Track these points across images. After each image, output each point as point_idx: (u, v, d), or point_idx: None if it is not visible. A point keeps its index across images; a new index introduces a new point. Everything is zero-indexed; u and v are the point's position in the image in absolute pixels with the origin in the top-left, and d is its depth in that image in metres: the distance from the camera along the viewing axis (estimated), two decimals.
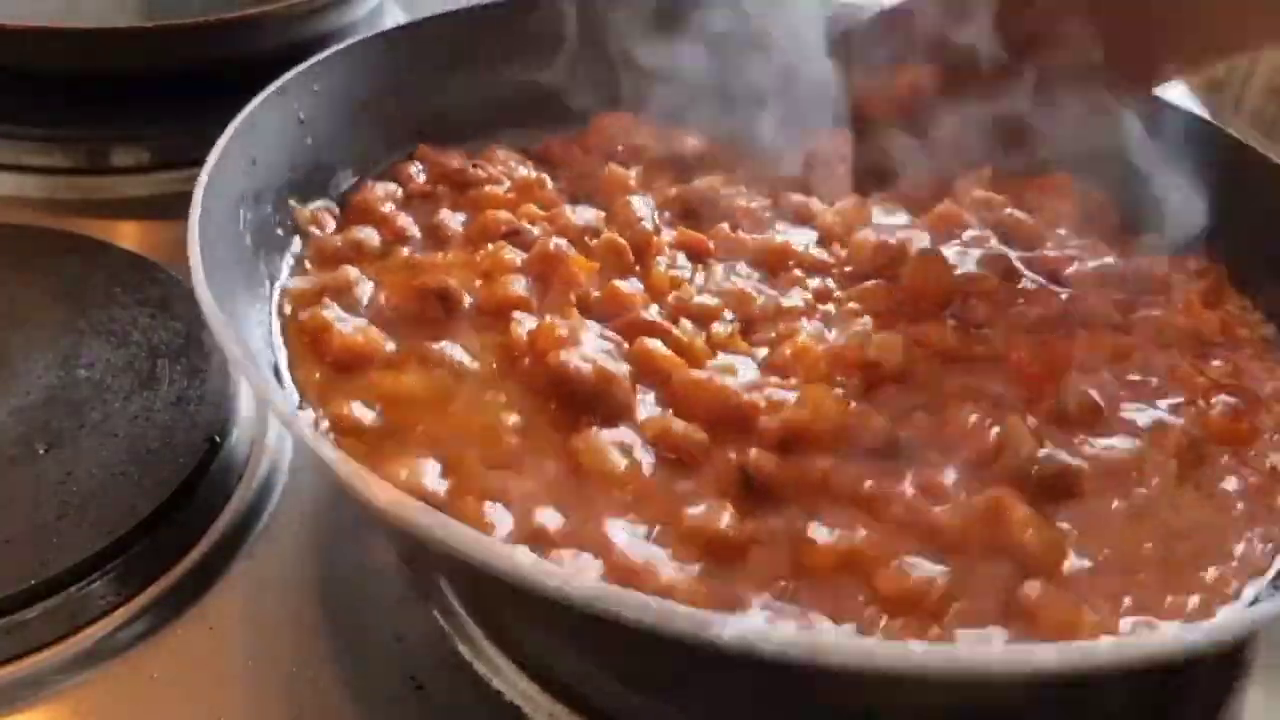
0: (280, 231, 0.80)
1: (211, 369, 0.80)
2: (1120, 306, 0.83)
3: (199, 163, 0.73)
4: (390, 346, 0.74)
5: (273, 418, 0.79)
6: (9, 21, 0.97)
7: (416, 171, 0.92)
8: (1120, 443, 0.71)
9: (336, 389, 0.71)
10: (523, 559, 0.49)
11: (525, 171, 0.93)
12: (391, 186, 0.89)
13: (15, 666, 0.64)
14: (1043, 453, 0.68)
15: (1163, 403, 0.75)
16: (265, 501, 0.74)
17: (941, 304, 0.81)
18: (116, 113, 1.03)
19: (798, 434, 0.67)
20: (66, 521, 0.69)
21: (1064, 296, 0.83)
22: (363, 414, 0.68)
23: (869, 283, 0.82)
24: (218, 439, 0.75)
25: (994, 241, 0.88)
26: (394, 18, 1.26)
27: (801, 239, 0.88)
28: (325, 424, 0.68)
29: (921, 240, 0.87)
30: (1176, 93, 1.21)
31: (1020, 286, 0.84)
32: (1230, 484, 0.70)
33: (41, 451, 0.73)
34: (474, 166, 0.91)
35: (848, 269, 0.85)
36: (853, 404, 0.69)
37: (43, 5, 1.06)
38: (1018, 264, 0.86)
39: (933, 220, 0.90)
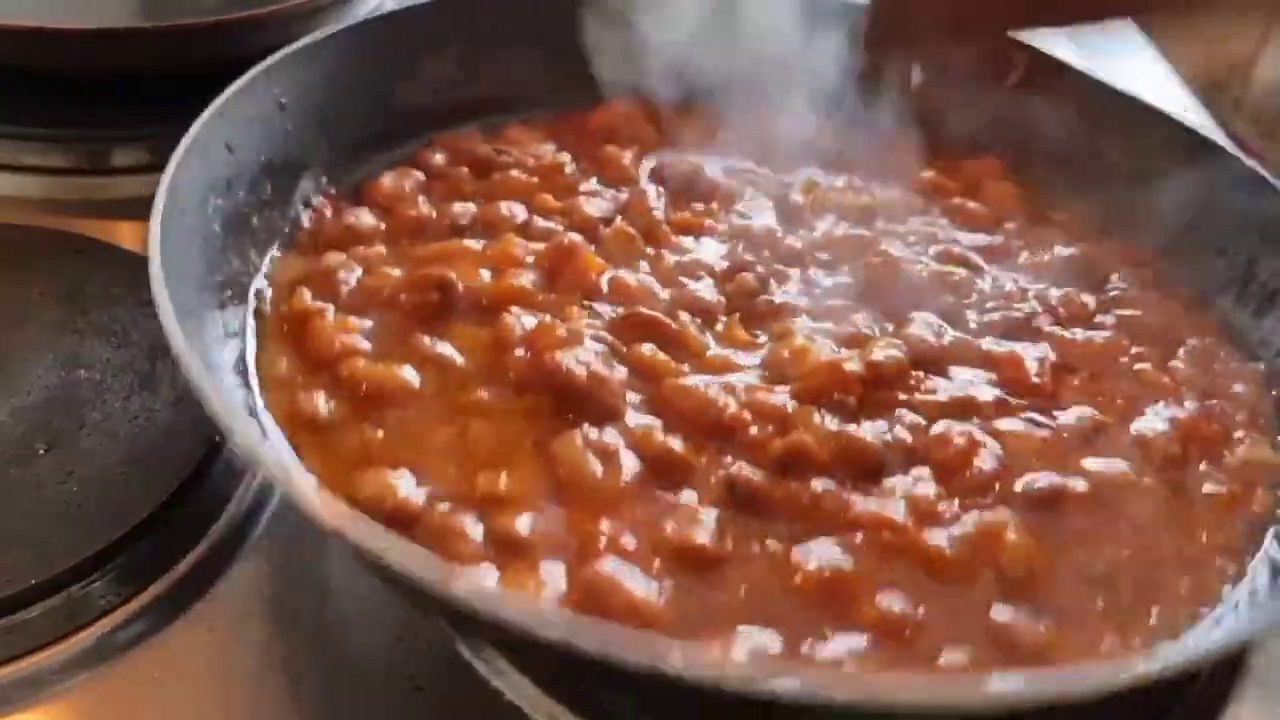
0: (256, 219, 0.80)
1: None
2: (1081, 304, 0.83)
3: None
4: (372, 342, 0.73)
5: None
6: (9, 21, 0.97)
7: (438, 157, 0.92)
8: (1110, 459, 0.71)
9: (307, 383, 0.71)
10: (489, 600, 0.48)
11: (546, 151, 0.93)
12: (408, 173, 0.89)
13: (15, 666, 0.64)
14: (1035, 475, 0.68)
15: (1145, 410, 0.75)
16: (266, 501, 0.74)
17: (908, 300, 0.81)
18: (116, 113, 1.03)
19: (792, 455, 0.67)
20: (66, 521, 0.69)
21: (1030, 294, 0.84)
22: (327, 410, 0.68)
23: (846, 279, 0.83)
24: (218, 439, 0.75)
25: (952, 228, 0.90)
26: None
27: (775, 221, 0.89)
28: (281, 417, 0.68)
29: (884, 231, 0.88)
30: (1173, 93, 1.21)
31: (986, 284, 0.84)
32: (1208, 489, 0.71)
33: (41, 451, 0.73)
34: (497, 152, 0.92)
35: (822, 258, 0.85)
36: (847, 427, 0.69)
37: (43, 5, 1.06)
38: (977, 257, 0.87)
39: (889, 208, 0.91)
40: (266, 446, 0.63)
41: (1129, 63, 1.27)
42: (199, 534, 0.71)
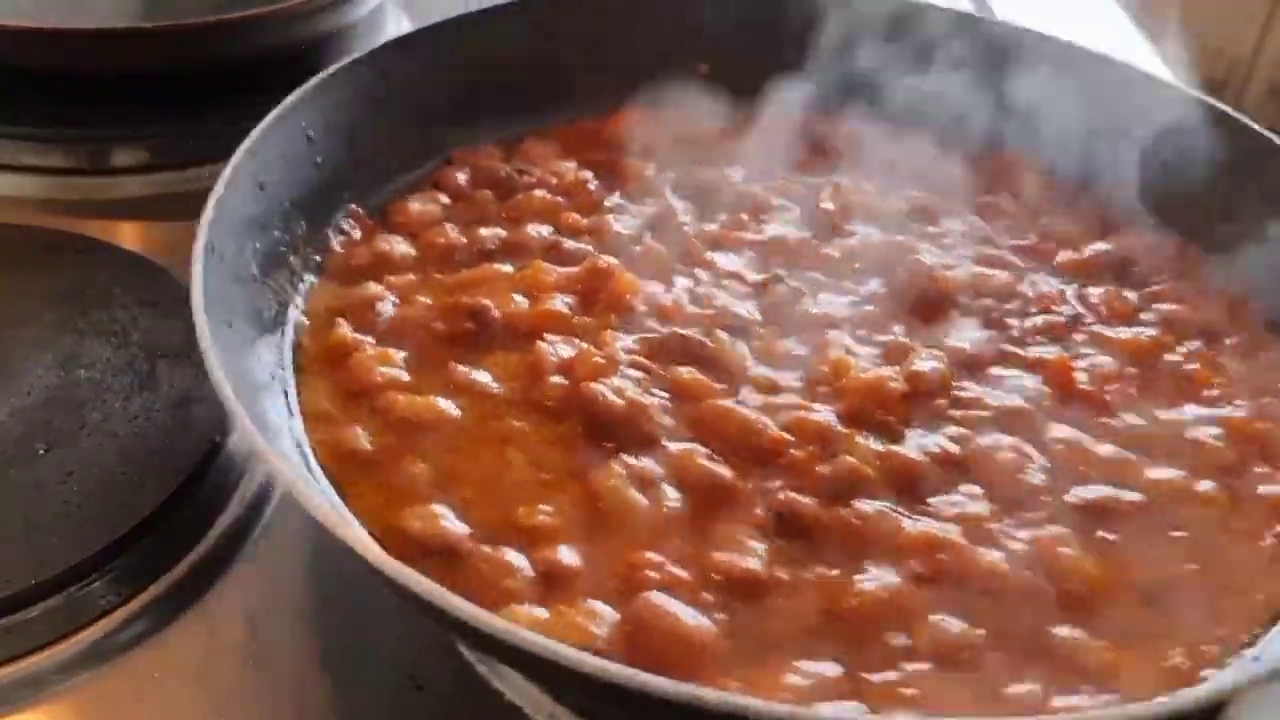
0: (293, 256, 0.80)
1: None
2: (1122, 302, 0.83)
3: (199, 163, 0.73)
4: (409, 372, 0.73)
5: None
6: (9, 21, 0.97)
7: (460, 177, 0.91)
8: (1164, 466, 0.70)
9: (347, 414, 0.70)
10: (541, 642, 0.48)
11: (567, 169, 0.92)
12: (432, 196, 0.89)
13: (15, 666, 0.64)
14: (1088, 487, 0.68)
15: (1196, 411, 0.74)
16: (266, 502, 0.74)
17: (947, 306, 0.80)
18: (116, 113, 1.03)
19: (843, 481, 0.66)
20: (66, 521, 0.69)
21: (1069, 294, 0.83)
22: (368, 441, 0.68)
23: (884, 286, 0.82)
24: (218, 439, 0.75)
25: (985, 229, 0.89)
26: (395, 19, 1.26)
27: (805, 230, 0.88)
28: (324, 452, 0.68)
29: (919, 234, 0.88)
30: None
31: (1026, 285, 0.83)
32: (1265, 491, 0.69)
33: (41, 451, 0.73)
34: (519, 172, 0.91)
35: (856, 266, 0.84)
36: (891, 446, 0.68)
37: (43, 5, 1.06)
38: (1015, 258, 0.86)
39: (915, 211, 0.91)
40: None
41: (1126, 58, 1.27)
42: (199, 534, 0.71)
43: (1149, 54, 1.32)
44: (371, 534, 0.63)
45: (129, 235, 0.93)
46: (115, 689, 0.64)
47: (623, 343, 0.74)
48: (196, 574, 0.69)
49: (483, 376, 0.73)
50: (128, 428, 0.75)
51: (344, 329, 0.75)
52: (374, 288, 0.79)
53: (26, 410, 0.76)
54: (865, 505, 0.65)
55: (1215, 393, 0.76)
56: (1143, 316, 0.82)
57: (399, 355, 0.74)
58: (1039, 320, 0.80)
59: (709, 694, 0.47)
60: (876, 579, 0.61)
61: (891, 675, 0.58)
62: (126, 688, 0.64)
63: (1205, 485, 0.69)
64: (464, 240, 0.85)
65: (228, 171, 0.73)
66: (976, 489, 0.67)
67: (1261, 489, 0.70)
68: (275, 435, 0.65)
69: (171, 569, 0.69)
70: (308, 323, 0.77)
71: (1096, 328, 0.80)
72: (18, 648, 0.64)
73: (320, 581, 0.70)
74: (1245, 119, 0.87)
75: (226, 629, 0.67)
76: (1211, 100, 0.90)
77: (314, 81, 0.84)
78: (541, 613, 0.59)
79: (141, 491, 0.71)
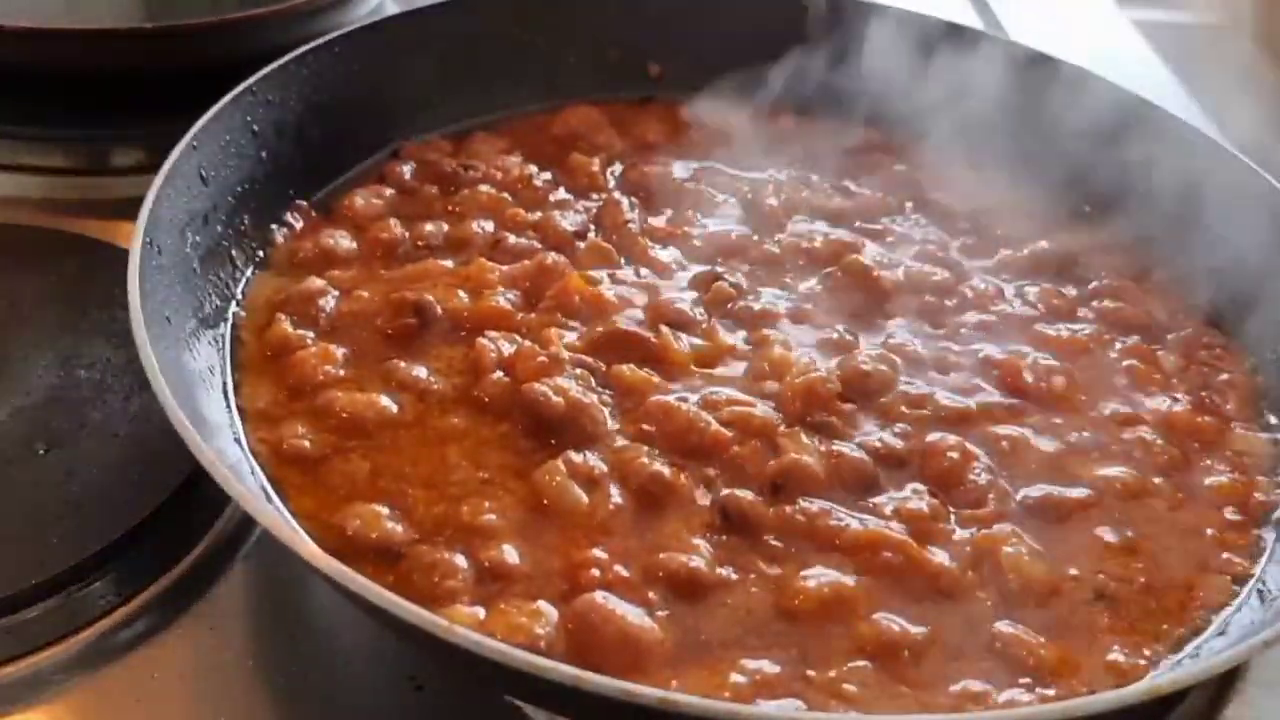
0: (235, 250, 0.80)
1: None
2: (1062, 299, 0.83)
3: None
4: (350, 368, 0.73)
5: None
6: (9, 22, 0.97)
7: (405, 171, 0.91)
8: (1109, 462, 0.71)
9: (287, 411, 0.70)
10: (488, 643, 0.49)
11: (513, 164, 0.93)
12: (378, 191, 0.89)
13: (15, 666, 0.64)
14: (1034, 484, 0.68)
15: (1138, 406, 0.75)
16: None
17: (887, 304, 0.81)
18: (116, 113, 1.03)
19: (787, 476, 0.66)
20: (66, 521, 0.69)
21: (1008, 291, 0.83)
22: (309, 439, 0.68)
23: (826, 283, 0.82)
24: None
25: (925, 226, 0.89)
26: None
27: (747, 226, 0.88)
28: (265, 450, 0.68)
29: (860, 231, 0.88)
30: (1173, 92, 1.21)
31: (966, 283, 0.84)
32: (1210, 482, 0.70)
33: (41, 452, 0.73)
34: (464, 167, 0.91)
35: (799, 263, 0.85)
36: (834, 444, 0.69)
37: (43, 5, 1.06)
38: (956, 255, 0.87)
39: (856, 208, 0.91)
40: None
41: (1128, 62, 1.27)
42: (199, 534, 0.71)
43: (1148, 53, 1.32)
44: (311, 533, 0.63)
45: (129, 235, 0.93)
46: (115, 689, 0.64)
47: (566, 339, 0.74)
48: (196, 574, 0.69)
49: (424, 373, 0.72)
50: (128, 428, 0.75)
51: (284, 324, 0.75)
52: (316, 282, 0.79)
53: (26, 410, 0.76)
54: (809, 503, 0.65)
55: (1156, 388, 0.76)
56: (1082, 314, 0.82)
57: (340, 352, 0.74)
58: (979, 316, 0.80)
59: (645, 691, 0.47)
60: (819, 577, 0.62)
61: (833, 673, 0.58)
62: (126, 688, 0.64)
63: (1148, 481, 0.70)
64: (407, 235, 0.84)
65: (168, 165, 0.73)
66: (920, 487, 0.68)
67: (1205, 482, 0.71)
68: (214, 432, 0.65)
69: (171, 569, 0.69)
70: (247, 316, 0.77)
71: (1036, 325, 0.81)
72: (18, 648, 0.64)
73: (320, 582, 0.70)
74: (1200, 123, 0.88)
75: (227, 629, 0.67)
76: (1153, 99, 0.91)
77: (259, 75, 0.84)
78: (483, 612, 0.59)
79: (142, 491, 0.70)
